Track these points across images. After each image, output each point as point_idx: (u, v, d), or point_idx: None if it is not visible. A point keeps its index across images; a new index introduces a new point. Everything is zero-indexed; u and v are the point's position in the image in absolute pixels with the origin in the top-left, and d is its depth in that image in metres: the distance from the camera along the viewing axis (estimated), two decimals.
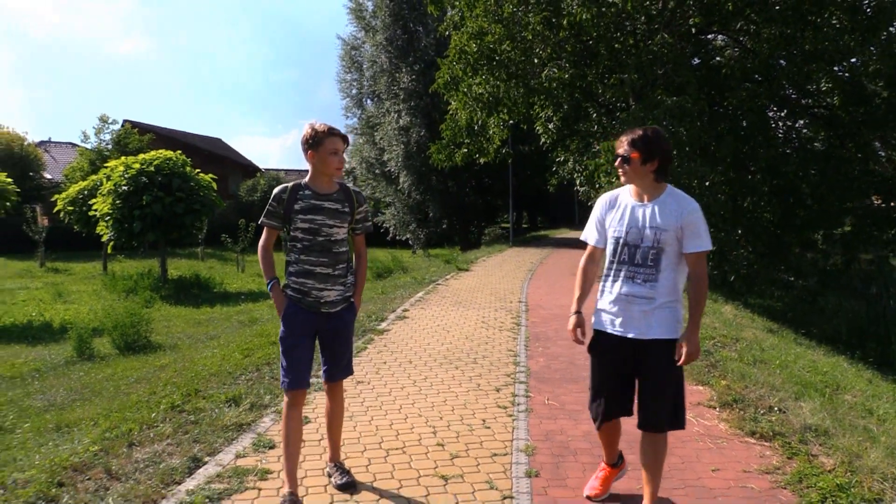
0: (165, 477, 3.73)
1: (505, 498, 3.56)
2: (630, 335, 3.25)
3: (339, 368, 3.73)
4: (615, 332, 3.29)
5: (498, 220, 39.97)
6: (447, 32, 17.10)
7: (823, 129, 16.73)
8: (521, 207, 44.46)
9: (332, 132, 3.51)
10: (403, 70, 30.36)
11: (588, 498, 3.56)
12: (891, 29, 14.19)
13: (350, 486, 3.67)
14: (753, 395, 5.30)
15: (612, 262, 3.34)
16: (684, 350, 3.15)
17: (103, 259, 23.11)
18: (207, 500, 3.45)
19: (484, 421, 4.79)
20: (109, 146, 31.81)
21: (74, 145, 40.75)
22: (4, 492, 3.69)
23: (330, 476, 3.78)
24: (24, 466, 4.11)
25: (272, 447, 4.23)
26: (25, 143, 34.44)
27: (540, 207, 48.69)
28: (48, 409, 6.49)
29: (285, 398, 3.59)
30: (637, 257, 3.24)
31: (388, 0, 30.68)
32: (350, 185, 3.77)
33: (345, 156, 3.65)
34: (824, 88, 15.36)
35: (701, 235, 3.20)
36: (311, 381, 3.74)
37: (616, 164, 3.31)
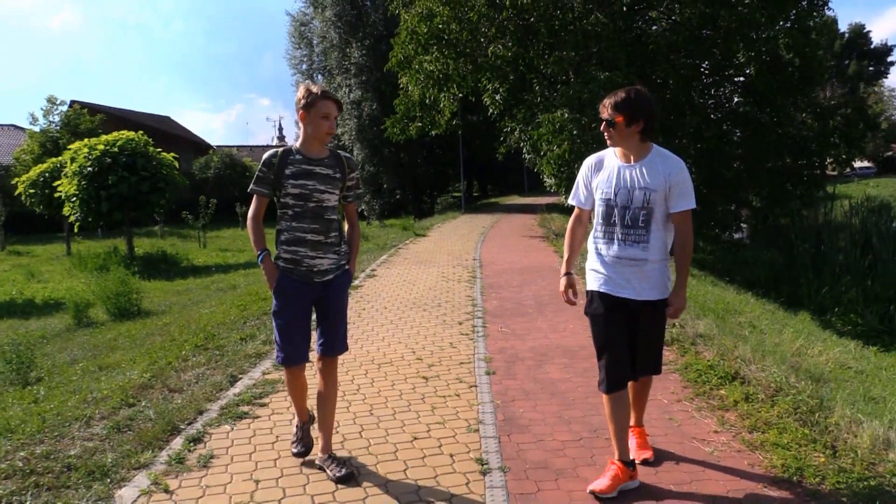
0: (214, 387, 4.91)
1: (471, 386, 4.86)
2: (624, 296, 3.26)
3: (336, 339, 3.57)
4: (610, 293, 3.29)
5: (449, 188, 41.24)
6: (396, 11, 18.09)
7: (742, 96, 18.37)
8: (472, 176, 45.90)
9: (325, 95, 3.42)
10: (354, 45, 31.17)
11: (593, 493, 3.21)
12: (800, 7, 15.81)
13: (349, 478, 3.43)
14: None
15: (601, 224, 3.33)
16: (674, 306, 3.29)
17: (66, 240, 23.56)
18: (253, 398, 4.65)
19: (451, 343, 6.10)
20: (58, 128, 31.73)
21: (17, 127, 40.30)
22: (89, 404, 4.82)
23: (323, 469, 3.52)
24: (95, 390, 5.22)
25: None
26: None
27: (490, 176, 50.22)
28: (76, 362, 7.52)
29: (285, 374, 3.62)
30: (627, 219, 3.23)
31: None
32: (341, 151, 3.68)
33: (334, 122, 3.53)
34: (743, 59, 16.92)
35: (687, 195, 3.22)
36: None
37: (601, 128, 3.28)
